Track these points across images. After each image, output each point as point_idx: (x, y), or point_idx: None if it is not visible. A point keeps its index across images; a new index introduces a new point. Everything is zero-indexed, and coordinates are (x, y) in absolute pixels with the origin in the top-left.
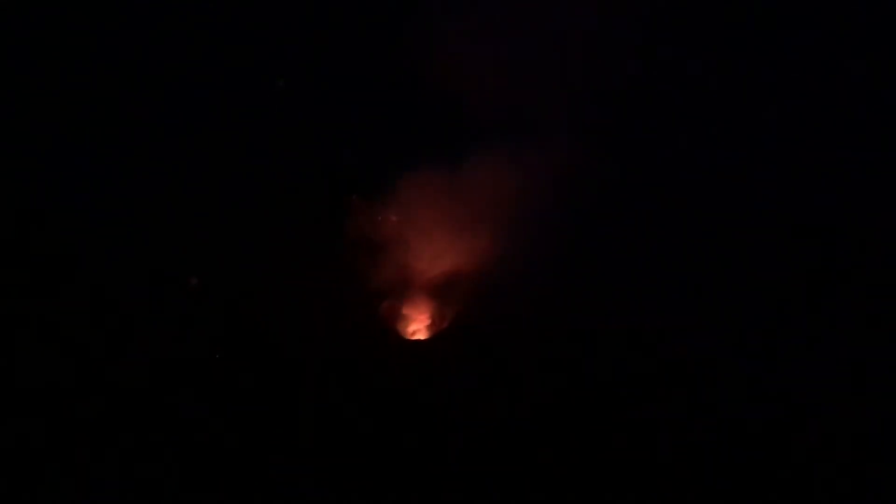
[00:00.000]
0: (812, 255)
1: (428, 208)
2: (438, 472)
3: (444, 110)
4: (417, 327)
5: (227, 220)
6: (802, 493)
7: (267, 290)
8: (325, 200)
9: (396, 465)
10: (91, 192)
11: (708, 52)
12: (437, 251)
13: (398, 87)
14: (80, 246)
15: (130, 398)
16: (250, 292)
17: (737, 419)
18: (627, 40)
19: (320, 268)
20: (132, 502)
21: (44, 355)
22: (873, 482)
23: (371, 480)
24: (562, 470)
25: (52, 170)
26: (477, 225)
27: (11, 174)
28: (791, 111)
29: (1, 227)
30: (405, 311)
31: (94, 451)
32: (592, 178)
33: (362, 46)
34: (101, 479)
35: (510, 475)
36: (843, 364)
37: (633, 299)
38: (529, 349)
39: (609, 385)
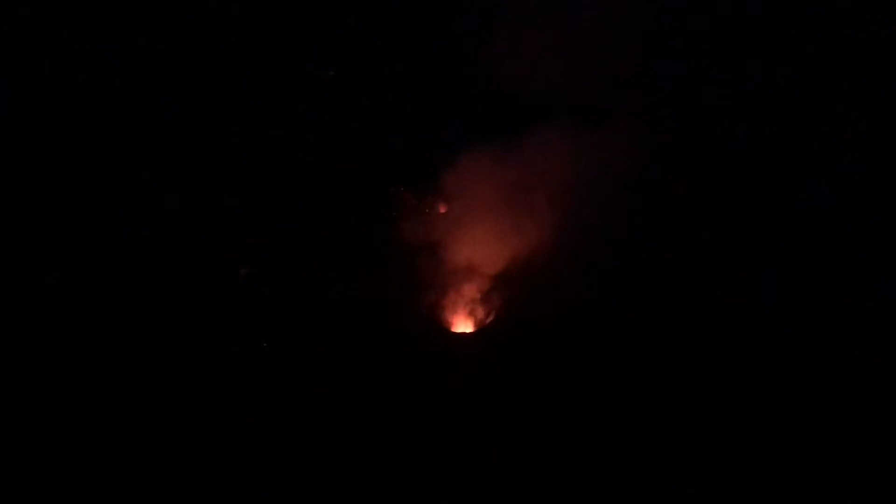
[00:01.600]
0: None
1: (476, 200)
2: (480, 464)
3: (495, 99)
4: (463, 320)
5: (277, 211)
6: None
7: (314, 281)
8: (374, 192)
9: (438, 458)
10: (143, 182)
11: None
12: (484, 244)
13: (447, 75)
14: (133, 235)
15: (180, 386)
16: (298, 284)
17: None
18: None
19: (367, 259)
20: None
21: (91, 344)
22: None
23: (413, 471)
24: (606, 462)
25: (104, 160)
26: (526, 217)
27: (61, 163)
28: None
29: (53, 216)
30: (451, 303)
31: (143, 439)
32: (648, 169)
33: (413, 34)
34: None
35: (552, 468)
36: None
37: (689, 293)
38: (576, 343)
39: (658, 381)
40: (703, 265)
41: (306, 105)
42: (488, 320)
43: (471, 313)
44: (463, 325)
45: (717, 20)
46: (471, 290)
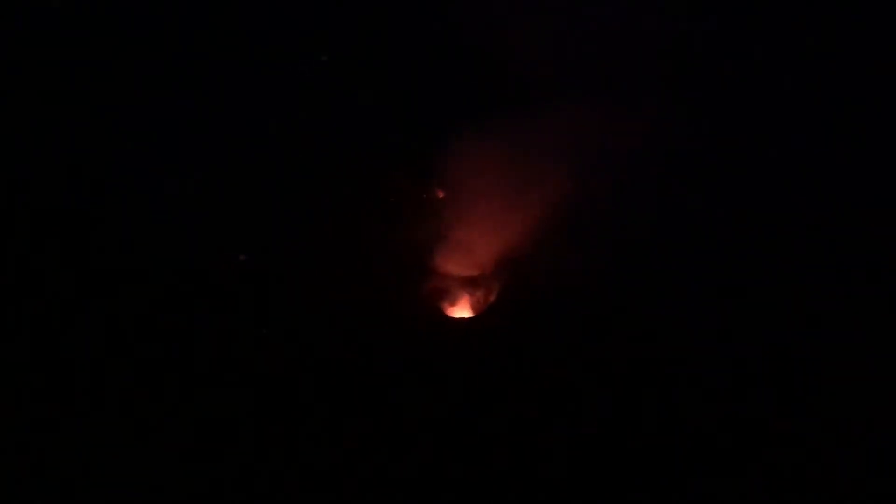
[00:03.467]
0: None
1: (475, 184)
2: (480, 450)
3: (496, 81)
4: (461, 305)
5: (270, 197)
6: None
7: (310, 266)
8: (369, 177)
9: (437, 443)
10: (138, 171)
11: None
12: (484, 228)
13: (441, 57)
14: (129, 222)
15: (178, 372)
16: (295, 268)
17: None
18: None
19: (364, 245)
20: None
21: (89, 333)
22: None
23: (413, 456)
24: (609, 454)
25: (101, 149)
26: (526, 201)
27: (58, 155)
28: None
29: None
30: (449, 288)
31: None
32: (654, 153)
33: (405, 14)
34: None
35: (554, 453)
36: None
37: (697, 281)
38: (579, 328)
39: (666, 371)
40: (714, 249)
41: (299, 90)
42: (487, 305)
43: (469, 298)
44: (461, 310)
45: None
46: (469, 274)
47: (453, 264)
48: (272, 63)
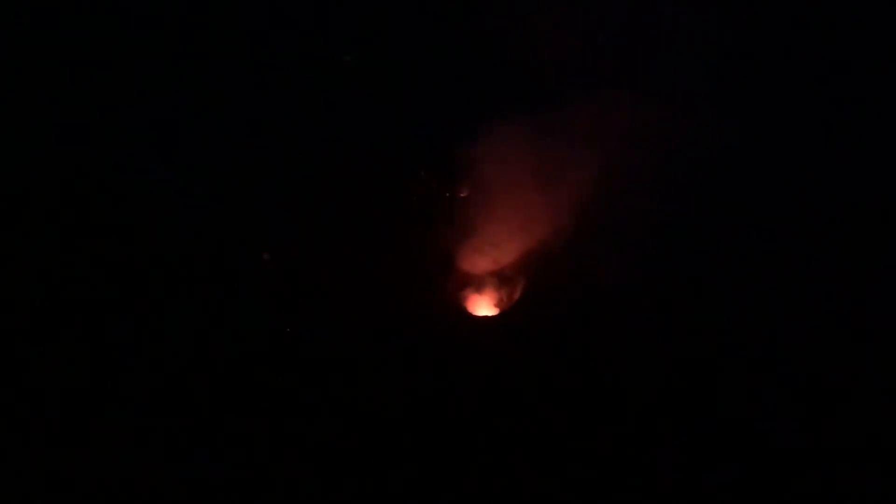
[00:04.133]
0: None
1: (499, 182)
2: (501, 448)
3: (519, 79)
4: (485, 304)
5: (297, 196)
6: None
7: (334, 266)
8: (394, 175)
9: (457, 440)
10: (164, 168)
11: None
12: (508, 226)
13: (465, 54)
14: (151, 219)
15: (202, 372)
16: (318, 269)
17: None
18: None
19: (388, 244)
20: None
21: (107, 332)
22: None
23: (431, 452)
24: (630, 453)
25: (122, 144)
26: (551, 199)
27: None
28: None
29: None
30: (473, 287)
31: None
32: (684, 149)
33: (429, 11)
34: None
35: (574, 453)
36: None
37: (730, 282)
38: (603, 328)
39: (690, 371)
40: (746, 249)
41: (323, 90)
42: (511, 303)
43: (493, 297)
44: (485, 308)
45: None
46: (493, 273)
47: (477, 262)
48: (296, 63)
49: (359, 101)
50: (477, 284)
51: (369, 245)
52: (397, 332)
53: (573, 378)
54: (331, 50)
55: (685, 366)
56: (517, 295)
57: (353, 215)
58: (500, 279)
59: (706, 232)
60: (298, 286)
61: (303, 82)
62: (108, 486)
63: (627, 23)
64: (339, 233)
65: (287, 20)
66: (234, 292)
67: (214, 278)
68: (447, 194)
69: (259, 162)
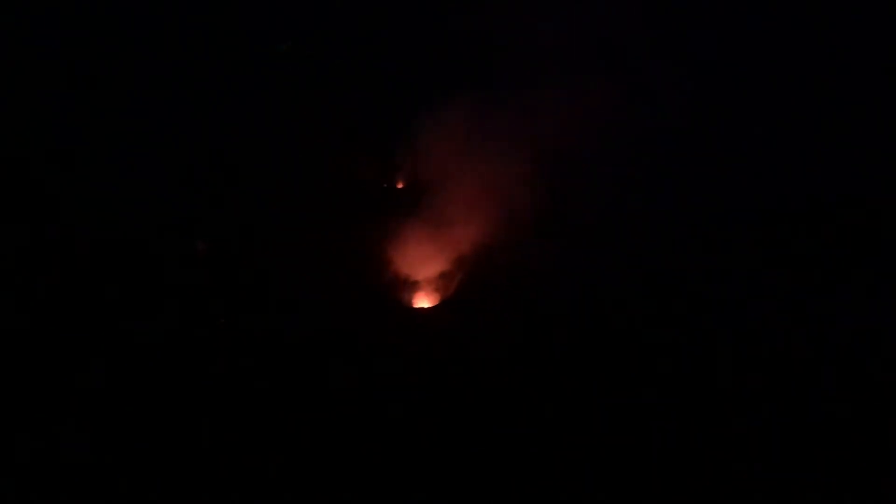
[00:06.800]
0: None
1: (436, 175)
2: (443, 432)
3: (457, 70)
4: (423, 295)
5: (234, 183)
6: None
7: (272, 253)
8: (333, 163)
9: (402, 429)
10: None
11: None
12: (446, 219)
13: (405, 47)
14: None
15: (135, 363)
16: (255, 255)
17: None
18: None
19: (326, 235)
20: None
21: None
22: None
23: (379, 445)
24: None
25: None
26: (487, 193)
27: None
28: None
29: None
30: (411, 278)
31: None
32: (619, 146)
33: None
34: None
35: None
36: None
37: (646, 277)
38: (541, 315)
39: (610, 357)
40: (678, 244)
41: (262, 80)
42: (449, 295)
43: (431, 288)
44: (424, 300)
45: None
46: (431, 265)
47: (415, 255)
48: (232, 53)
49: (294, 92)
50: (415, 277)
51: (305, 238)
52: (337, 323)
53: (504, 367)
54: (267, 40)
55: (611, 358)
56: (454, 287)
57: (290, 208)
58: (438, 271)
59: (641, 227)
60: (237, 278)
61: (238, 74)
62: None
63: (574, 20)
64: (275, 226)
65: (223, 14)
66: (171, 284)
67: (150, 271)
68: (384, 186)
69: (197, 154)
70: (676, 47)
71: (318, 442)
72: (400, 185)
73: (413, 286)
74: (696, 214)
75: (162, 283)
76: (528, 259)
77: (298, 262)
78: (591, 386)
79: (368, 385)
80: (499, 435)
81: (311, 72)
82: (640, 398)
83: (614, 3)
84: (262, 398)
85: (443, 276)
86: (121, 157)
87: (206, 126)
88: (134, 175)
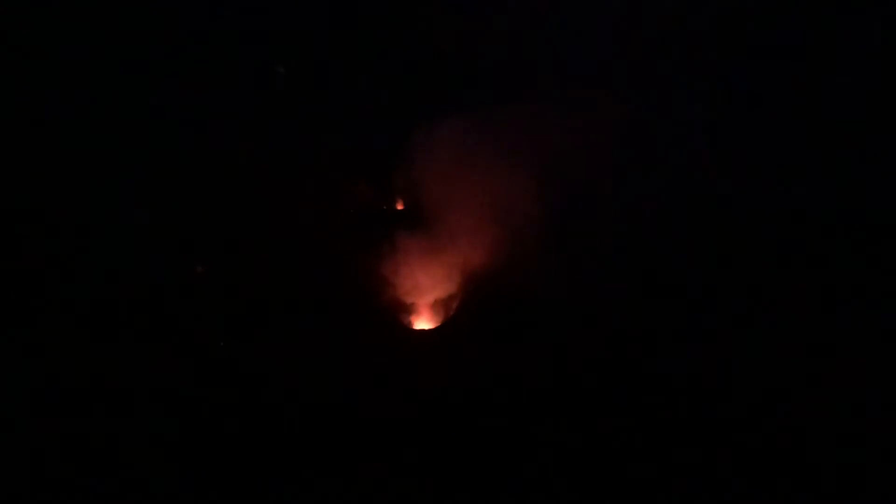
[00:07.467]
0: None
1: (436, 196)
2: (442, 444)
3: (458, 89)
4: (424, 317)
5: (231, 208)
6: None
7: (271, 277)
8: (331, 188)
9: (401, 443)
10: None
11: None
12: (445, 240)
13: (405, 65)
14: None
15: (138, 383)
16: (254, 280)
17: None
18: None
19: (326, 258)
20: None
21: (47, 349)
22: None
23: (378, 457)
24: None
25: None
26: (487, 214)
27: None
28: None
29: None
30: (411, 302)
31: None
32: (621, 164)
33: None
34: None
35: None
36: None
37: (652, 295)
38: (540, 337)
39: (611, 378)
40: (687, 257)
41: (259, 101)
42: (449, 316)
43: (432, 310)
44: (424, 321)
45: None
46: (431, 286)
47: (415, 276)
48: (232, 73)
49: (293, 111)
50: (415, 298)
51: (305, 259)
52: (337, 345)
53: (509, 386)
54: (266, 60)
55: (621, 376)
56: (454, 308)
57: (289, 229)
58: (438, 293)
59: (637, 243)
60: (236, 301)
61: (237, 94)
62: None
63: (570, 31)
64: (275, 247)
65: (223, 33)
66: (168, 305)
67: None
68: (383, 207)
69: (195, 175)
70: (677, 56)
71: (316, 462)
72: (400, 207)
73: (413, 308)
74: (705, 231)
75: (161, 312)
76: (531, 280)
77: (298, 285)
78: (595, 408)
79: (369, 405)
80: (499, 455)
81: (309, 94)
82: (645, 421)
83: (613, 13)
84: (261, 420)
85: (443, 297)
86: (118, 181)
87: (206, 148)
88: (130, 200)
